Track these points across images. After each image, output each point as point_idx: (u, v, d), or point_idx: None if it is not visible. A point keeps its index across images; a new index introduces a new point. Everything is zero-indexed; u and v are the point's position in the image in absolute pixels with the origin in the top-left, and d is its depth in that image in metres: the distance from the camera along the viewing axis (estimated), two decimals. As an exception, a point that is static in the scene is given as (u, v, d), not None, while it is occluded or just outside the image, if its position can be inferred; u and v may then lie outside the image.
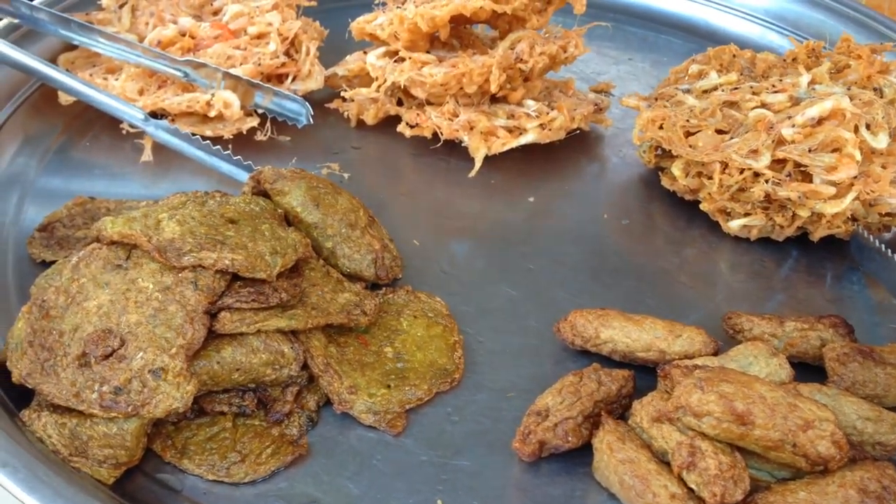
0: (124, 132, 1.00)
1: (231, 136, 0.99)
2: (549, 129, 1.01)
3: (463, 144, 1.01)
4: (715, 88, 0.98)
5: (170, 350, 0.66)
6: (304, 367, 0.73)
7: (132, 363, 0.65)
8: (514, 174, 1.02)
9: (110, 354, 0.66)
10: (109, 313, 0.68)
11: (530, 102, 1.03)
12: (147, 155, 0.98)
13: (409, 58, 0.99)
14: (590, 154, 1.07)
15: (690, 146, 0.92)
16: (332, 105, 1.07)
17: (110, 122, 1.00)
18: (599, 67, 1.23)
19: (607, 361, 0.79)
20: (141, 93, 0.99)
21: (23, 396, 0.68)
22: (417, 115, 1.01)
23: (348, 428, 0.73)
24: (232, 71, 0.99)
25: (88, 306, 0.69)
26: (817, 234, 0.91)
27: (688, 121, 0.94)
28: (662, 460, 0.67)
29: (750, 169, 0.89)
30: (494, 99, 1.04)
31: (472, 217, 0.96)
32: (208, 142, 0.93)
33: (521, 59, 1.00)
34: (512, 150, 1.01)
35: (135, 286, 0.70)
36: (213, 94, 0.97)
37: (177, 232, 0.71)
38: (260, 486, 0.68)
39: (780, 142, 0.89)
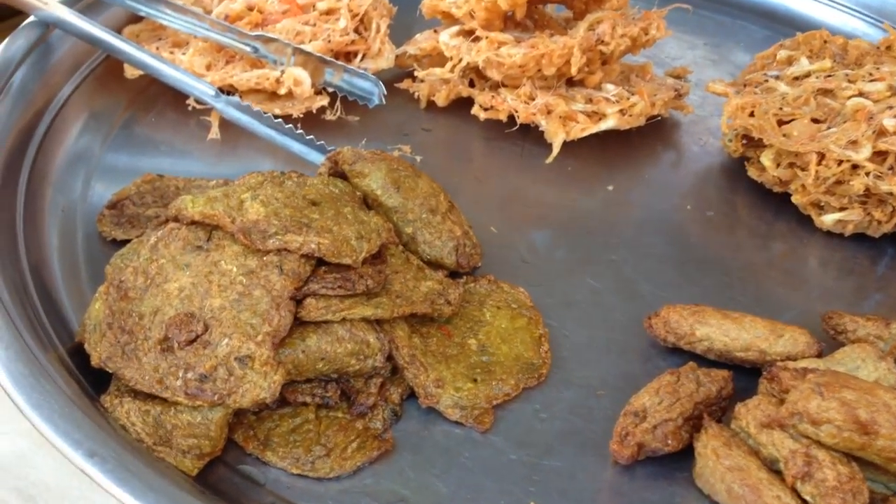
0: (190, 108, 0.96)
1: (300, 115, 0.95)
2: (630, 115, 0.97)
3: (540, 129, 0.97)
4: (807, 75, 0.94)
5: (256, 337, 0.63)
6: (388, 358, 0.70)
7: (217, 350, 0.62)
8: (591, 161, 0.98)
9: (194, 340, 0.63)
10: (191, 296, 0.65)
11: (609, 87, 0.98)
12: (214, 132, 0.95)
13: (486, 37, 0.95)
14: (667, 142, 1.03)
15: (784, 135, 0.88)
16: (403, 85, 1.03)
17: (175, 98, 0.97)
18: (674, 52, 1.18)
19: (699, 360, 0.75)
20: (208, 68, 0.95)
21: (99, 380, 0.66)
22: (492, 97, 0.98)
23: (432, 423, 0.70)
24: (302, 47, 0.95)
25: (169, 288, 0.66)
26: (917, 231, 0.86)
27: (780, 109, 0.89)
28: (772, 468, 0.63)
29: (849, 161, 0.84)
30: (570, 82, 1.00)
31: (549, 204, 0.92)
32: (280, 120, 0.90)
33: (602, 41, 0.96)
34: (587, 136, 0.97)
35: (217, 269, 0.67)
36: (283, 71, 0.94)
37: (261, 213, 0.68)
38: (345, 481, 0.65)
39: (881, 133, 0.84)
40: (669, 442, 0.66)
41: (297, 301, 0.66)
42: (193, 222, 0.69)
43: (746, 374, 0.73)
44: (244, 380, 0.62)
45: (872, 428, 0.60)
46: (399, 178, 0.80)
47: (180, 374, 0.62)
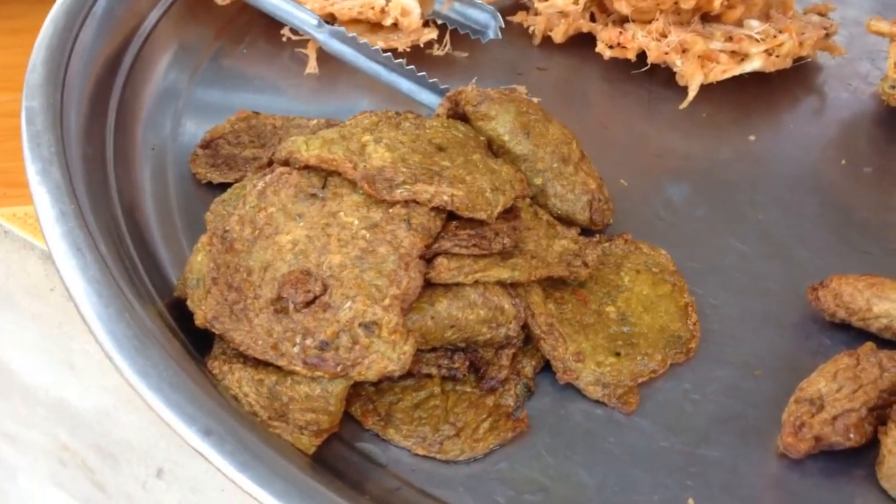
0: (284, 39, 0.88)
1: (406, 49, 0.86)
2: (777, 56, 0.86)
3: (672, 70, 0.86)
4: None
5: (382, 301, 0.55)
6: (523, 326, 0.61)
7: (339, 314, 0.55)
8: (727, 107, 0.88)
9: (312, 301, 0.55)
10: (307, 251, 0.58)
11: (753, 23, 0.87)
12: (312, 66, 0.86)
13: (618, -36, 0.85)
14: (811, 87, 0.92)
15: (967, 82, 0.76)
16: (516, 18, 0.93)
17: (267, 28, 0.89)
18: (812, -14, 1.05)
19: (873, 338, 0.65)
20: (306, -6, 0.86)
21: (200, 340, 0.59)
22: (619, 33, 0.87)
23: (569, 401, 0.62)
24: (410, -28, 0.86)
25: (280, 241, 0.58)
26: None
27: (962, 51, 0.77)
28: (977, 472, 0.54)
29: None
30: (706, 17, 0.89)
31: (684, 155, 0.82)
32: (390, 54, 0.81)
33: (750, -30, 0.84)
34: (722, 80, 0.86)
35: (335, 221, 0.58)
36: (389, 0, 0.84)
37: (387, 159, 0.59)
38: (476, 465, 0.57)
39: None
40: (852, 436, 0.57)
41: (427, 260, 0.58)
42: (307, 167, 0.61)
43: (927, 357, 0.64)
44: (370, 349, 0.54)
45: None
46: (529, 122, 0.70)
47: (297, 340, 0.54)
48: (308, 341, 0.54)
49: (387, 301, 0.55)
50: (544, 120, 0.72)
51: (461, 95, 0.71)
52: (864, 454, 0.58)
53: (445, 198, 0.58)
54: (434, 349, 0.60)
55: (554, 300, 0.65)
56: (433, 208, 0.58)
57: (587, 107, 0.88)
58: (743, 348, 0.66)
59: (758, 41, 0.85)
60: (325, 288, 0.56)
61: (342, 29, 0.80)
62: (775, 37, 0.86)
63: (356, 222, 0.58)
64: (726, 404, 0.62)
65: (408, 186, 0.58)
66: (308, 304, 0.55)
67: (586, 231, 0.71)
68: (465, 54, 0.90)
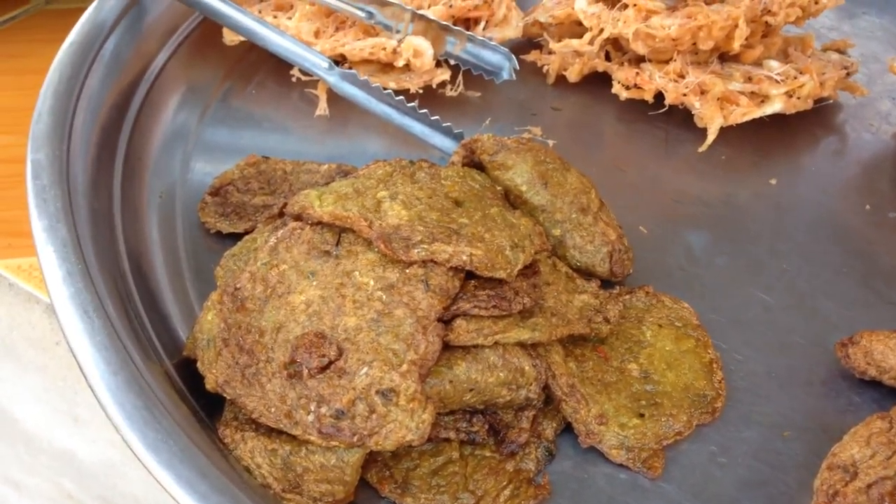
0: (294, 79, 0.87)
1: (419, 90, 0.84)
2: (797, 98, 0.84)
3: (693, 112, 0.84)
4: None
5: (400, 367, 0.53)
6: (542, 387, 0.59)
7: (355, 380, 0.53)
8: (746, 149, 0.86)
9: (327, 367, 0.53)
10: (321, 313, 0.56)
11: (773, 63, 0.85)
12: (322, 108, 0.84)
13: (634, 4, 0.83)
14: (831, 128, 0.90)
15: None
16: (530, 57, 0.92)
17: (277, 67, 0.88)
18: (829, 22, 1.04)
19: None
20: (317, 35, 0.85)
21: (209, 401, 0.57)
22: (636, 73, 0.85)
23: (591, 464, 0.60)
24: (422, 12, 0.84)
25: (294, 301, 0.57)
26: None
27: None
28: None
29: None
30: (724, 57, 0.87)
31: (704, 201, 0.80)
32: (402, 97, 0.79)
33: (769, 11, 0.83)
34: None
35: (350, 281, 0.57)
36: (401, 40, 0.83)
37: (403, 217, 0.57)
38: (496, 535, 0.55)
39: None
40: (886, 505, 0.55)
41: (445, 322, 0.56)
42: (320, 223, 0.59)
43: (960, 417, 0.62)
44: (388, 418, 0.52)
45: None
46: (547, 172, 0.68)
47: (312, 408, 0.52)
48: (323, 409, 0.52)
49: (404, 367, 0.53)
50: (562, 168, 0.70)
51: (477, 144, 0.70)
52: (900, 523, 0.56)
53: (464, 258, 0.56)
54: (452, 412, 0.58)
55: (574, 357, 0.63)
56: (451, 268, 0.57)
57: (603, 148, 0.86)
58: (770, 407, 0.64)
59: (778, 82, 0.84)
60: (340, 352, 0.54)
61: (353, 72, 0.79)
62: (796, 77, 0.84)
63: (372, 283, 0.56)
64: (755, 468, 0.60)
65: (425, 246, 0.56)
66: (323, 369, 0.53)
67: (606, 282, 0.70)
68: (479, 94, 0.89)
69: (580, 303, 0.64)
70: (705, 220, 0.78)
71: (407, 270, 0.56)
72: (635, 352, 0.65)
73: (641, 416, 0.60)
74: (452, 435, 0.57)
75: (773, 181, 0.83)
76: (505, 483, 0.56)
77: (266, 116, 0.85)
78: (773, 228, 0.78)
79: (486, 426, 0.58)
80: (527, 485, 0.57)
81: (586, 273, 0.68)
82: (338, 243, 0.59)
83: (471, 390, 0.56)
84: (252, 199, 0.73)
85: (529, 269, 0.61)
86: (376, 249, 0.57)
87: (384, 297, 0.55)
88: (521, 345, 0.58)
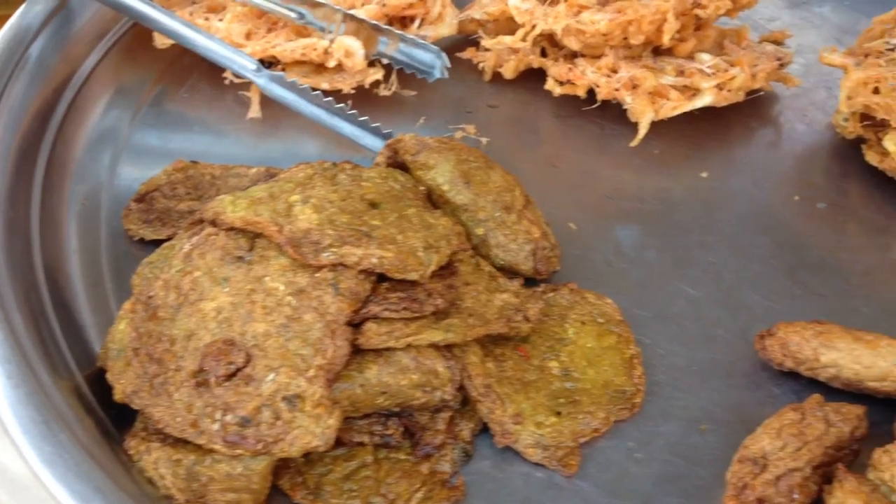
0: (227, 82, 0.86)
1: (351, 91, 0.84)
2: (728, 90, 0.84)
3: (624, 107, 0.84)
4: (941, 44, 0.80)
5: (307, 372, 0.53)
6: (459, 388, 0.59)
7: (261, 387, 0.53)
8: (679, 143, 0.86)
9: (234, 374, 0.53)
10: (231, 319, 0.56)
11: (705, 56, 0.85)
12: (255, 110, 0.84)
13: (565, 0, 0.83)
14: (765, 119, 0.90)
15: (918, 117, 0.75)
16: (465, 55, 0.91)
17: (210, 70, 0.87)
18: (769, 12, 1.04)
19: (822, 387, 0.64)
20: (248, 37, 0.84)
21: (123, 413, 0.57)
22: (569, 69, 0.85)
23: (507, 463, 0.60)
24: (353, 12, 0.84)
25: (205, 308, 0.56)
26: None
27: (913, 85, 0.76)
28: (924, 535, 0.53)
29: None
30: (657, 51, 0.87)
31: (635, 195, 0.81)
32: (331, 98, 0.79)
33: (699, 4, 0.83)
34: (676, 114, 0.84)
35: (261, 286, 0.57)
36: (332, 41, 0.82)
37: (314, 220, 0.57)
38: (410, 537, 0.56)
39: None
40: (795, 497, 0.56)
41: (355, 326, 0.56)
42: (233, 228, 0.59)
43: (880, 405, 0.62)
44: (293, 424, 0.52)
45: None
46: (469, 171, 0.68)
47: (218, 417, 0.52)
48: (228, 417, 0.52)
49: (311, 372, 0.53)
50: (486, 167, 0.70)
51: (400, 144, 0.70)
52: (812, 514, 0.57)
53: (374, 260, 0.56)
54: (367, 416, 0.58)
55: (494, 357, 0.63)
56: (362, 271, 0.57)
57: (538, 145, 0.86)
58: (689, 401, 0.64)
59: (709, 75, 0.84)
60: (248, 359, 0.54)
61: (282, 73, 0.79)
62: (727, 70, 0.84)
63: (282, 288, 0.56)
64: (671, 462, 0.60)
65: (334, 249, 0.56)
66: (230, 376, 0.53)
67: (532, 280, 0.70)
68: (414, 93, 0.89)
69: (500, 302, 0.64)
70: (636, 215, 0.78)
71: (316, 275, 0.56)
72: (557, 350, 0.65)
73: (559, 414, 0.61)
74: (366, 439, 0.58)
75: (705, 174, 0.83)
76: (418, 486, 0.57)
77: (198, 120, 0.85)
78: (703, 222, 0.78)
79: (401, 429, 0.58)
80: (441, 487, 0.57)
81: (511, 272, 0.68)
82: (251, 248, 0.59)
83: (383, 393, 0.57)
84: (178, 205, 0.73)
85: (447, 270, 0.62)
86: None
87: (294, 301, 0.55)
88: (436, 346, 0.58)
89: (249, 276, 0.57)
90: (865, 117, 0.81)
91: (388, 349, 0.57)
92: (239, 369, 0.54)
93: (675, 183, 0.82)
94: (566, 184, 0.82)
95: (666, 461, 0.60)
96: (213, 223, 0.60)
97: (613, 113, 0.87)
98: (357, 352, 0.56)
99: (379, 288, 0.58)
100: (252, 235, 0.59)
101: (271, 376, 0.53)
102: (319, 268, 0.56)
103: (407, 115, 0.87)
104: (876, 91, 0.78)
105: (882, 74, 0.77)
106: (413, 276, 0.57)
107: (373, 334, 0.56)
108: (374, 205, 0.62)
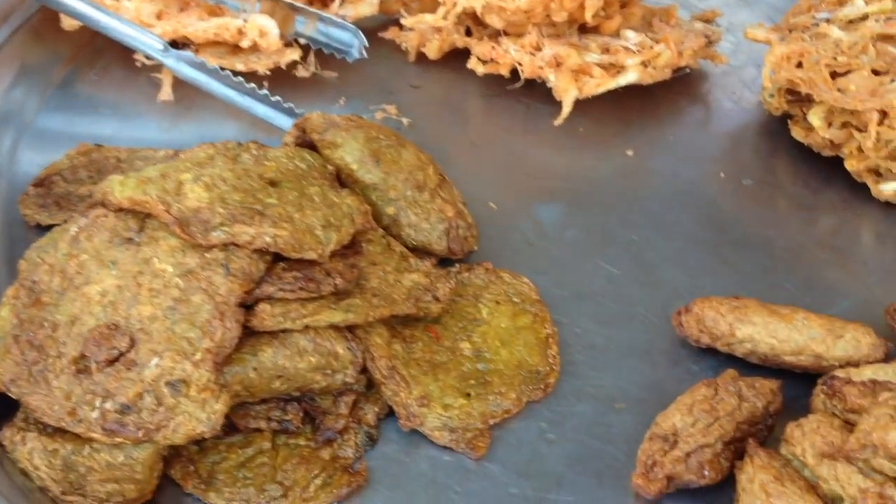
0: (139, 65, 0.83)
1: (267, 72, 0.81)
2: (654, 68, 0.83)
3: (548, 85, 0.83)
4: (864, 18, 0.79)
5: (193, 355, 0.51)
6: (363, 370, 0.57)
7: (144, 372, 0.50)
8: (607, 121, 0.85)
9: (117, 359, 0.51)
10: (116, 303, 0.53)
11: (630, 34, 0.84)
12: (166, 93, 0.81)
13: (485, -23, 0.81)
14: (695, 97, 0.89)
15: (838, 90, 0.74)
16: (388, 35, 0.89)
17: (123, 52, 0.84)
18: (701, -8, 1.03)
19: (739, 363, 0.62)
20: (159, 17, 0.81)
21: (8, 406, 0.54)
22: (492, 48, 0.83)
23: (416, 447, 0.58)
24: (268, -9, 0.81)
25: (90, 292, 0.54)
26: None
27: (834, 58, 0.75)
28: (833, 509, 0.51)
29: (917, 120, 0.70)
30: (584, 29, 0.86)
31: (558, 174, 0.79)
32: (241, 78, 0.76)
33: (622, -20, 0.81)
34: (603, 92, 0.83)
35: (149, 268, 0.54)
36: (246, 20, 0.80)
37: (204, 199, 0.55)
38: (308, 526, 0.53)
39: (957, 86, 0.71)
40: (706, 473, 0.54)
41: (248, 307, 0.54)
42: (122, 209, 0.57)
43: (797, 380, 0.61)
44: (176, 410, 0.49)
45: (968, 467, 0.47)
46: (379, 149, 0.66)
47: (97, 404, 0.49)
48: (108, 405, 0.49)
49: (198, 356, 0.51)
50: (397, 145, 0.68)
51: (307, 123, 0.67)
52: (726, 490, 0.55)
53: (268, 239, 0.54)
54: (265, 400, 0.56)
55: (403, 338, 0.61)
56: (255, 251, 0.54)
57: (462, 125, 0.84)
58: (606, 380, 0.63)
59: (634, 53, 0.82)
60: (132, 343, 0.51)
61: (190, 53, 0.76)
62: (652, 47, 0.83)
63: (170, 269, 0.54)
64: (584, 442, 0.59)
65: (225, 228, 0.54)
66: (112, 361, 0.51)
67: (447, 261, 0.68)
68: (335, 74, 0.86)
69: (409, 282, 0.62)
70: (559, 194, 0.77)
71: (207, 255, 0.54)
72: (469, 330, 0.63)
73: (468, 395, 0.59)
74: (263, 424, 0.55)
75: (631, 152, 0.81)
76: (317, 472, 0.54)
77: (108, 103, 0.82)
78: (627, 200, 0.77)
79: (301, 413, 0.56)
80: (341, 472, 0.55)
81: (425, 252, 0.66)
82: (141, 230, 0.56)
83: (279, 377, 0.54)
84: (78, 189, 0.70)
85: (350, 249, 0.59)
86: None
87: (182, 283, 0.53)
88: (336, 328, 0.56)
89: (138, 257, 0.55)
90: (791, 93, 0.80)
91: (284, 331, 0.54)
92: (122, 354, 0.51)
93: (600, 161, 0.81)
94: (489, 163, 0.80)
95: (579, 441, 0.59)
96: (102, 204, 0.58)
97: (540, 92, 0.85)
98: (252, 334, 0.54)
99: (275, 268, 0.55)
100: (142, 216, 0.57)
101: (155, 361, 0.50)
102: (210, 248, 0.54)
103: (327, 96, 0.84)
104: (799, 65, 0.76)
105: (806, 49, 0.76)
106: (311, 255, 0.55)
107: (266, 315, 0.53)
108: (273, 183, 0.59)
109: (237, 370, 0.53)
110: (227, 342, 0.51)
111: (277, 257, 0.56)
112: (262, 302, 0.54)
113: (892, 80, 0.73)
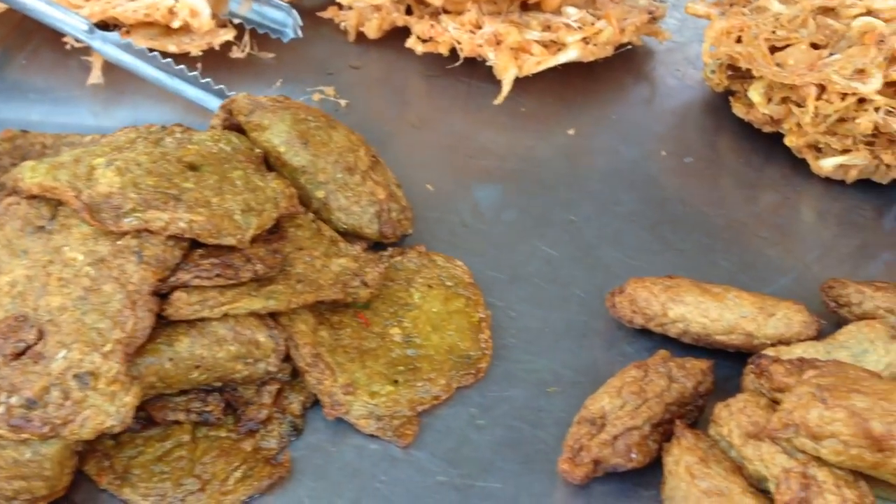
0: (69, 47, 0.81)
1: (200, 53, 0.79)
2: (595, 45, 0.82)
3: (487, 63, 0.81)
4: (805, -9, 0.78)
5: (103, 347, 0.49)
6: (287, 359, 0.56)
7: (51, 365, 0.49)
8: (549, 100, 0.84)
9: (23, 352, 0.49)
10: (25, 293, 0.51)
11: (571, 10, 0.83)
12: (96, 76, 0.79)
13: (421, -47, 0.79)
14: (639, 74, 0.88)
15: (777, 65, 0.73)
16: (326, 14, 0.87)
17: (53, 35, 0.81)
18: (648, -33, 1.01)
19: (674, 343, 0.62)
20: (87, -3, 0.79)
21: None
22: (431, 26, 0.82)
23: (342, 437, 0.57)
24: (200, -30, 0.79)
25: (-1, 283, 0.52)
26: (934, 177, 0.73)
27: (773, 32, 0.74)
28: (759, 488, 0.51)
29: (855, 94, 0.70)
30: (525, 6, 0.84)
31: (498, 154, 0.78)
32: (170, 60, 0.74)
33: (561, -45, 0.80)
34: (544, 70, 0.81)
35: (59, 257, 0.52)
36: (177, 0, 0.78)
37: (115, 184, 0.53)
38: (227, 519, 0.52)
39: (894, 59, 0.70)
40: (634, 456, 0.53)
41: (163, 296, 0.52)
42: (34, 196, 0.55)
43: (730, 359, 0.61)
44: (84, 404, 0.48)
45: (888, 443, 0.47)
46: (307, 131, 0.65)
47: (2, 399, 0.48)
48: (13, 399, 0.48)
49: (108, 347, 0.49)
50: (327, 126, 0.66)
51: (234, 104, 0.65)
52: (654, 474, 0.55)
53: (183, 224, 0.52)
54: (185, 392, 0.54)
55: (330, 325, 0.59)
56: (170, 237, 0.53)
57: (402, 106, 0.83)
58: (539, 364, 0.62)
59: (575, 29, 0.81)
60: (40, 335, 0.50)
61: (116, 35, 0.74)
62: (593, 24, 0.82)
63: (81, 258, 0.52)
64: (514, 427, 0.58)
65: (138, 214, 0.52)
66: (18, 355, 0.49)
67: (381, 245, 0.67)
68: (272, 55, 0.84)
69: (338, 267, 0.60)
70: (497, 175, 0.76)
71: (119, 242, 0.52)
72: (400, 315, 0.62)
73: (396, 382, 0.58)
74: (182, 417, 0.54)
75: (572, 131, 0.80)
76: (237, 464, 0.53)
77: (36, 87, 0.80)
78: (567, 180, 0.76)
79: (222, 404, 0.55)
80: (263, 464, 0.54)
81: (356, 236, 0.65)
82: (53, 217, 0.55)
83: (197, 367, 0.53)
84: (1, 177, 0.68)
85: (275, 235, 0.58)
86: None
87: (92, 272, 0.51)
88: (258, 315, 0.55)
89: (49, 246, 0.53)
90: (732, 68, 0.80)
91: (201, 320, 0.53)
92: (29, 347, 0.49)
93: (540, 141, 0.79)
94: (428, 145, 0.78)
95: (509, 426, 0.58)
96: (14, 191, 0.56)
97: (482, 71, 0.84)
98: (169, 324, 0.52)
99: (192, 255, 0.54)
100: (55, 203, 0.55)
101: (63, 353, 0.49)
102: (122, 235, 0.52)
103: (264, 78, 0.83)
104: (739, 40, 0.76)
105: (745, 23, 0.76)
106: (229, 240, 0.54)
107: (182, 304, 0.52)
108: (193, 167, 0.57)
109: (152, 361, 0.51)
110: (138, 332, 0.50)
111: (196, 244, 0.54)
112: (177, 290, 0.52)
113: (831, 54, 0.72)
